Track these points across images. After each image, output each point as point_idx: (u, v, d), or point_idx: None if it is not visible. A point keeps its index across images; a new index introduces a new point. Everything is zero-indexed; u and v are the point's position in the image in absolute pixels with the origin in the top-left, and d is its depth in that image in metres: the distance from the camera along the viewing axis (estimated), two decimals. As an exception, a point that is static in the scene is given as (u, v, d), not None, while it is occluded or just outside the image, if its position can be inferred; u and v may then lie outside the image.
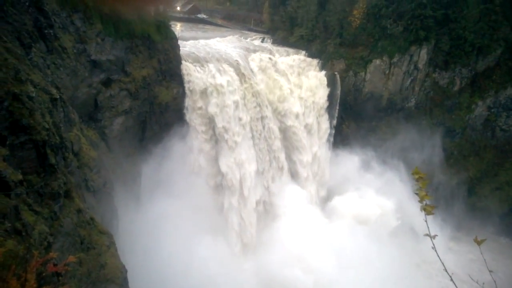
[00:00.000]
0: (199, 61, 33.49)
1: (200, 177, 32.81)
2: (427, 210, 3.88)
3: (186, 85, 32.20)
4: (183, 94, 32.50)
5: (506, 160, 45.03)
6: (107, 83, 27.92)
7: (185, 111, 32.42)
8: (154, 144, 30.42)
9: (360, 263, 33.26)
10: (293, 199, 36.59)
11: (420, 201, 3.79)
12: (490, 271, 4.89)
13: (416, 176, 3.95)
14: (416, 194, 3.87)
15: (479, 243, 4.52)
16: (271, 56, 38.81)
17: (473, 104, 44.81)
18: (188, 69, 32.35)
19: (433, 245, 4.29)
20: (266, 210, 36.61)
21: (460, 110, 44.76)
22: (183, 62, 32.37)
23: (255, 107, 35.14)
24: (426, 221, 3.93)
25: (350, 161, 41.56)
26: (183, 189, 30.76)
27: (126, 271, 18.46)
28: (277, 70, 37.84)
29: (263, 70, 36.80)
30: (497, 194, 44.35)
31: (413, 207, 37.60)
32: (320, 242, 34.09)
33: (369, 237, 35.71)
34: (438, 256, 4.28)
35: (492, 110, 44.78)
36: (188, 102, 32.44)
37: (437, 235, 4.36)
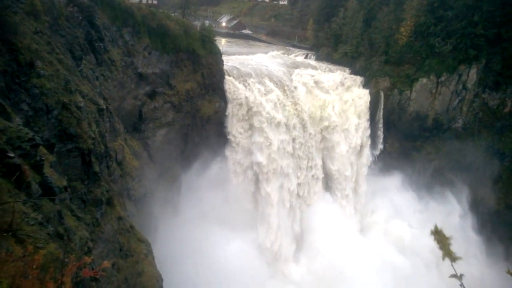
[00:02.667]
0: (242, 76, 33.96)
1: (238, 189, 33.06)
2: (451, 258, 3.77)
3: (228, 100, 32.68)
4: (224, 108, 33.03)
5: (560, 188, 42.01)
6: (152, 95, 28.93)
7: (226, 124, 32.84)
8: (195, 155, 31.03)
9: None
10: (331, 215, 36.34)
11: (444, 256, 3.74)
12: None
13: (437, 237, 3.85)
14: (440, 249, 3.79)
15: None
16: (314, 73, 38.73)
17: (525, 126, 42.33)
18: (231, 84, 32.87)
19: (461, 283, 4.18)
20: (303, 223, 36.25)
21: (511, 133, 42.38)
22: (226, 77, 32.96)
23: (295, 124, 35.03)
24: (452, 265, 3.85)
25: (391, 181, 40.52)
26: (223, 199, 31.16)
27: (162, 280, 18.75)
28: (320, 87, 37.66)
29: (306, 86, 36.72)
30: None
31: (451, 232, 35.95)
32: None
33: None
34: None
35: (547, 133, 42.05)
36: (229, 116, 32.85)
37: (463, 275, 4.23)
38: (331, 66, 42.24)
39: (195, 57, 31.43)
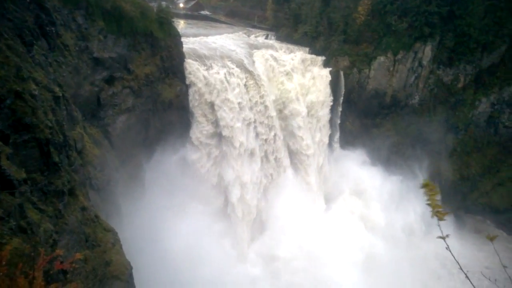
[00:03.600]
0: (202, 58, 33.39)
1: (203, 175, 32.91)
2: (440, 216, 3.78)
3: (189, 83, 32.12)
4: (186, 92, 32.43)
5: (508, 157, 44.92)
6: (109, 80, 27.90)
7: (188, 108, 32.36)
8: (157, 141, 30.44)
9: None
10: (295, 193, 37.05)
11: (432, 210, 3.80)
12: (505, 267, 4.86)
13: (427, 190, 3.85)
14: (428, 204, 3.84)
15: (491, 239, 4.51)
16: (274, 53, 38.68)
17: (477, 101, 44.58)
18: (191, 66, 32.26)
19: (447, 245, 4.32)
20: (268, 200, 36.69)
21: (464, 107, 44.54)
22: (186, 59, 32.29)
23: (258, 104, 35.05)
24: (439, 225, 3.90)
25: (353, 157, 41.69)
26: (186, 185, 30.95)
27: (132, 268, 18.48)
28: (281, 68, 37.73)
29: (267, 67, 36.69)
30: (499, 190, 44.34)
31: (416, 205, 37.73)
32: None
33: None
34: (453, 256, 4.26)
35: (496, 107, 44.54)
36: (191, 99, 32.36)
37: (449, 235, 4.38)
38: (292, 46, 42.30)
39: (153, 39, 30.47)
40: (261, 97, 35.29)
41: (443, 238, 4.06)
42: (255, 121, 34.78)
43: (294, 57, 39.87)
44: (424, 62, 42.02)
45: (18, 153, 12.41)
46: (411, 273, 35.01)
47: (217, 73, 32.54)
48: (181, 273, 25.63)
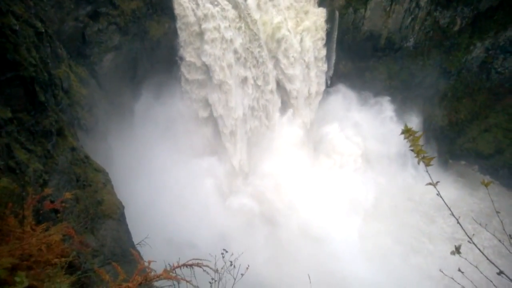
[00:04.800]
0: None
1: (192, 110, 32.79)
2: (426, 161, 3.67)
3: (178, 19, 30.80)
4: (174, 29, 31.19)
5: (497, 103, 45.11)
6: (94, 16, 26.62)
7: (177, 46, 31.33)
8: (147, 81, 29.77)
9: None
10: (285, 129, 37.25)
11: (417, 156, 3.64)
12: (498, 212, 4.93)
13: (407, 135, 3.69)
14: (412, 150, 3.69)
15: (486, 185, 4.49)
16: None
17: (472, 45, 43.82)
18: (180, 1, 30.74)
19: (438, 192, 4.27)
20: (257, 139, 36.98)
21: (458, 51, 43.85)
22: (174, -5, 30.70)
23: (250, 41, 34.08)
24: (427, 171, 3.76)
25: (343, 99, 41.56)
26: (175, 122, 30.94)
27: (123, 207, 18.81)
28: (274, 6, 36.27)
29: (260, 5, 35.21)
30: (485, 136, 45.05)
31: (399, 146, 38.38)
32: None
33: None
34: (445, 202, 4.26)
35: (490, 52, 43.93)
36: (180, 37, 31.23)
37: (439, 182, 4.30)
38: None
39: (140, -28, 28.77)
40: (254, 34, 34.24)
41: (433, 184, 3.94)
42: (247, 59, 34.04)
43: (288, -6, 38.16)
44: (422, 3, 40.60)
45: (2, 92, 11.99)
46: (406, 218, 36.35)
47: (207, 9, 31.16)
48: (171, 211, 26.32)
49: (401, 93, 42.36)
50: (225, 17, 31.97)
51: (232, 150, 34.63)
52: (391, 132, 38.33)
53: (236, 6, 33.27)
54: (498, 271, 4.16)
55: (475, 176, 43.07)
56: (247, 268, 7.20)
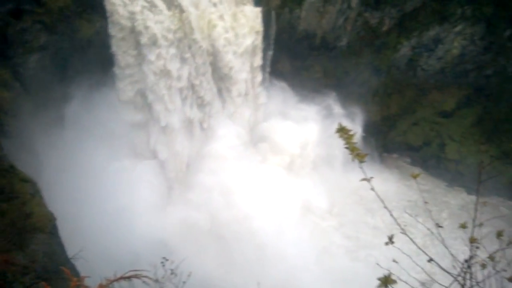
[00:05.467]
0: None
1: (128, 114, 31.52)
2: (360, 158, 3.76)
3: (110, 18, 29.44)
4: (106, 28, 29.80)
5: (423, 98, 48.37)
6: (17, 14, 24.80)
7: (110, 46, 29.94)
8: (78, 83, 28.13)
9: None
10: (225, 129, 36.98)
11: (351, 153, 3.76)
12: (426, 202, 5.25)
13: (342, 134, 3.82)
14: (347, 148, 3.80)
15: (415, 177, 4.79)
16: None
17: (399, 44, 46.50)
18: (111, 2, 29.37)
19: (372, 187, 4.43)
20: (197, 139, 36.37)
21: (387, 50, 46.33)
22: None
23: (187, 42, 33.44)
24: (361, 168, 3.86)
25: (283, 97, 42.22)
26: (109, 126, 29.59)
27: (55, 219, 17.65)
28: (210, 4, 35.88)
29: (195, 3, 34.67)
30: (414, 129, 48.19)
31: (335, 141, 39.71)
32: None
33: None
34: (378, 196, 4.42)
35: (416, 50, 46.91)
36: (113, 36, 29.86)
37: (373, 177, 4.46)
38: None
39: (66, -33, 27.15)
40: (190, 32, 33.58)
41: (367, 180, 4.09)
42: (185, 60, 33.35)
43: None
44: (353, 4, 42.40)
45: None
46: (352, 214, 37.51)
47: (141, 6, 30.09)
48: (108, 220, 25.11)
49: (337, 90, 43.90)
50: (160, 18, 31.03)
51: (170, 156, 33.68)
52: (333, 129, 39.41)
53: (170, 5, 32.45)
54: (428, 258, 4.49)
55: (407, 168, 45.85)
56: (188, 276, 6.97)
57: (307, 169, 40.38)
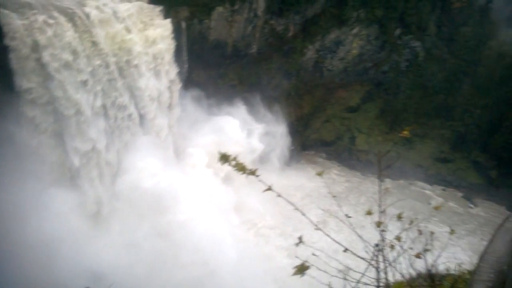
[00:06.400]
0: (22, 8, 28.61)
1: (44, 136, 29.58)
2: (253, 173, 3.88)
3: (9, 39, 27.44)
4: (5, 50, 27.68)
5: (331, 96, 52.22)
6: None
7: (13, 72, 27.84)
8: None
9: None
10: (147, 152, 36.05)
11: (243, 173, 3.78)
12: (334, 196, 6.00)
13: (225, 161, 3.68)
14: (237, 171, 3.76)
15: (319, 174, 5.31)
16: (109, 2, 35.39)
17: (305, 48, 49.58)
18: (7, 17, 27.37)
19: (278, 193, 4.27)
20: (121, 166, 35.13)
21: (295, 54, 49.12)
22: (1, 10, 27.29)
23: (96, 63, 32.22)
24: (260, 180, 3.96)
25: (199, 107, 42.36)
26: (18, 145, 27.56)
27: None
28: (118, 19, 34.96)
29: (102, 19, 33.54)
30: (326, 126, 51.77)
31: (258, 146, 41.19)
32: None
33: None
34: (285, 198, 4.27)
35: (320, 53, 50.43)
36: (14, 60, 27.85)
37: (271, 186, 4.22)
38: (127, -5, 39.19)
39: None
40: (98, 50, 32.46)
41: (270, 189, 4.06)
42: (98, 81, 32.14)
43: (130, 6, 37.15)
44: (259, 12, 44.30)
45: None
46: (287, 212, 38.54)
47: (41, 25, 28.46)
48: (32, 251, 23.53)
49: (253, 95, 45.34)
50: (64, 34, 29.64)
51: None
52: (247, 134, 40.70)
53: (74, 20, 31.12)
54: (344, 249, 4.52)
55: (324, 163, 48.92)
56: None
57: (229, 176, 40.67)
